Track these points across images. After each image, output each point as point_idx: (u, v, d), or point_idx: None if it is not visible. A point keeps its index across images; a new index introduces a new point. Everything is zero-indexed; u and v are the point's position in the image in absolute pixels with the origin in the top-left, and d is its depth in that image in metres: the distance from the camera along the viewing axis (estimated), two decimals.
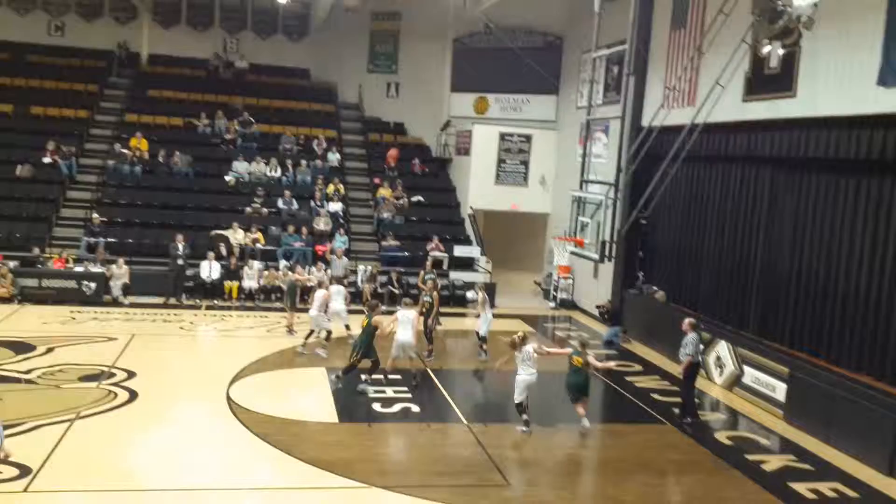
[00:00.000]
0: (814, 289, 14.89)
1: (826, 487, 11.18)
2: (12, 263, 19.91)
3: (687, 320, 14.06)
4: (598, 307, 20.92)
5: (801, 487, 11.11)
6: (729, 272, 17.50)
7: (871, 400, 12.34)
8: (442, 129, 28.93)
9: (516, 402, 12.72)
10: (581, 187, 20.29)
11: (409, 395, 13.95)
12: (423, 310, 16.71)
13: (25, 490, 9.33)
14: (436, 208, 26.68)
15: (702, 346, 14.46)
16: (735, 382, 15.69)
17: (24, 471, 9.72)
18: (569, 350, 13.45)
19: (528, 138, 26.42)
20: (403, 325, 14.53)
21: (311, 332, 16.63)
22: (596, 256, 18.65)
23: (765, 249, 16.41)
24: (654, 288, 20.19)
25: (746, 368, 15.39)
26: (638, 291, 20.58)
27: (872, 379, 13.13)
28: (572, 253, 20.81)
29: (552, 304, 23.87)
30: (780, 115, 15.41)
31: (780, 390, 14.35)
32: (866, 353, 13.53)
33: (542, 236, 27.01)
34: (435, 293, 17.34)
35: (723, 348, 16.20)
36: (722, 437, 13.29)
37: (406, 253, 23.74)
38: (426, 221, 25.65)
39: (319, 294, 16.92)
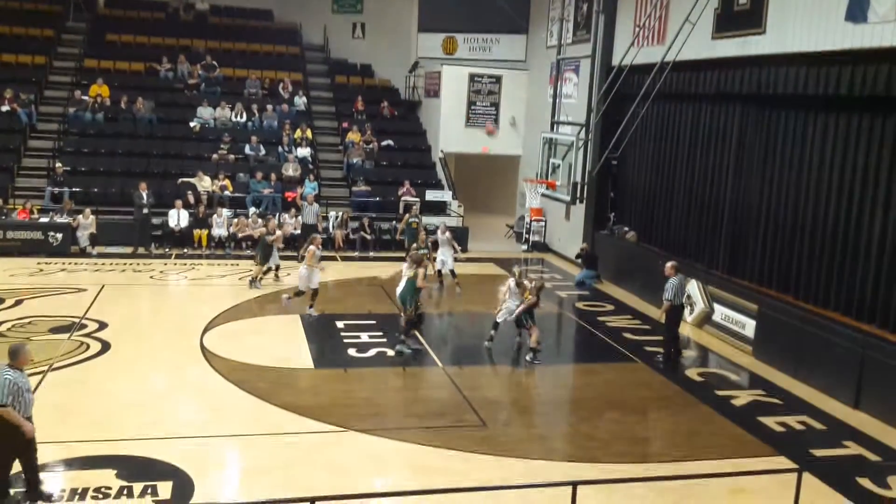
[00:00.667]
0: (782, 226, 15.05)
1: (794, 420, 11.46)
2: None
3: (669, 264, 14.00)
4: (581, 249, 20.85)
5: (769, 421, 11.37)
6: (699, 211, 17.62)
7: (837, 335, 12.60)
8: (410, 70, 28.52)
9: (499, 320, 13.73)
10: (552, 129, 20.21)
11: (385, 340, 13.99)
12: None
13: None
14: (406, 152, 26.44)
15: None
16: (705, 320, 15.93)
17: None
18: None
19: (497, 79, 26.14)
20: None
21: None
22: (567, 198, 18.67)
23: (734, 187, 16.51)
24: (626, 228, 20.30)
25: (716, 306, 15.62)
26: (609, 232, 20.69)
27: (839, 314, 13.38)
28: (544, 195, 20.79)
29: (525, 247, 23.94)
30: (750, 53, 15.35)
31: (749, 327, 14.60)
32: (833, 289, 13.75)
33: (513, 179, 26.95)
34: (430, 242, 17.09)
35: (693, 287, 16.39)
36: (693, 373, 13.53)
37: (377, 198, 23.59)
38: (397, 166, 25.46)
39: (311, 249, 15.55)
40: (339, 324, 14.80)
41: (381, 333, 14.50)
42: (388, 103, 27.86)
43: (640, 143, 19.72)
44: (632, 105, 17.92)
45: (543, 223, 23.94)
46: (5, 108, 23.31)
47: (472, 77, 26.00)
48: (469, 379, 12.57)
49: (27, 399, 7.76)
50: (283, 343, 13.87)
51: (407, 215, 20.45)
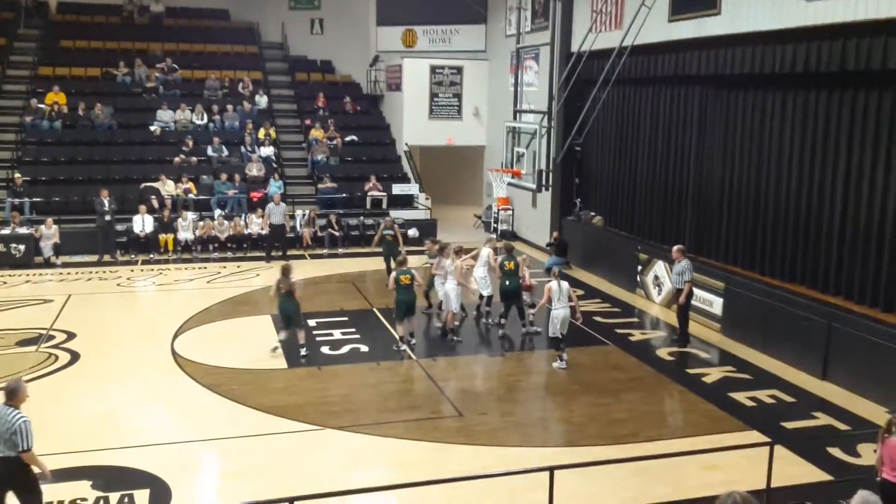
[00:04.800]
0: (745, 204, 15.24)
1: (764, 395, 11.66)
2: None
3: (676, 248, 14.25)
4: (553, 237, 20.87)
5: (740, 396, 11.56)
6: (663, 192, 17.78)
7: (803, 308, 12.81)
8: (371, 64, 28.42)
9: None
10: (515, 117, 20.26)
11: (358, 336, 13.96)
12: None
13: None
14: (370, 147, 26.37)
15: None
16: (673, 300, 16.08)
17: None
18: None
19: (459, 70, 26.16)
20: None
21: None
22: (533, 186, 18.75)
23: (697, 167, 16.69)
24: (592, 213, 20.44)
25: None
26: (576, 218, 20.81)
27: (805, 288, 13.61)
28: (510, 184, 20.85)
29: (493, 237, 23.96)
30: (706, 34, 15.50)
31: (716, 305, 14.79)
32: (798, 263, 13.97)
33: (479, 169, 27.00)
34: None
35: (660, 267, 16.57)
36: (663, 353, 13.69)
37: (344, 194, 23.51)
38: (361, 161, 25.38)
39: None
40: (311, 322, 14.74)
41: (353, 330, 14.49)
42: (350, 99, 27.75)
43: (603, 129, 19.85)
44: (592, 91, 18.03)
45: (511, 212, 24.03)
46: None
47: (433, 69, 25.99)
48: (443, 370, 12.62)
49: None
50: (255, 344, 13.77)
51: (382, 225, 19.09)
